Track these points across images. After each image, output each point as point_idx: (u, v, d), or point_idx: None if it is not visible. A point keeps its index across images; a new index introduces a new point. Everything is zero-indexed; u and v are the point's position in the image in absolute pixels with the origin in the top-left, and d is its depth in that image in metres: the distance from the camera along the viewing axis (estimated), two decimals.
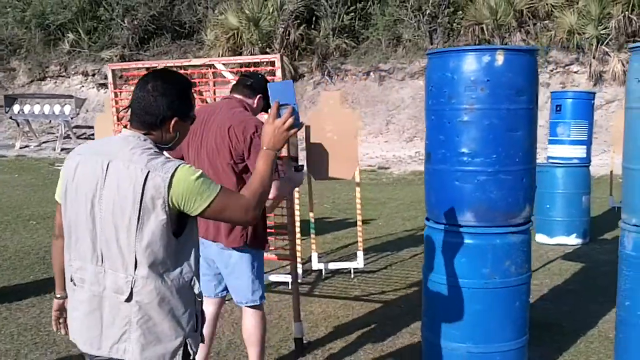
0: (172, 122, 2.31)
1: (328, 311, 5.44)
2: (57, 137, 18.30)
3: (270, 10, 18.59)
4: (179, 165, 2.21)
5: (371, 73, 17.90)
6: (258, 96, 3.75)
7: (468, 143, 3.68)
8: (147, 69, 4.87)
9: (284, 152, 4.30)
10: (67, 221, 2.34)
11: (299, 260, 6.16)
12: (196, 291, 2.34)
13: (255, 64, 4.72)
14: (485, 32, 17.07)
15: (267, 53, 18.52)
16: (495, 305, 3.77)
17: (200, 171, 2.24)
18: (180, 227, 2.26)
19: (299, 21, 18.69)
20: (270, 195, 3.53)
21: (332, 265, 6.49)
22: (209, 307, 3.87)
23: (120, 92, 5.03)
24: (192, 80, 2.69)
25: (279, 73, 4.34)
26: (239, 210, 2.25)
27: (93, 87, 20.97)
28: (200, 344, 3.83)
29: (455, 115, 3.69)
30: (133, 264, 2.21)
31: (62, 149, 17.36)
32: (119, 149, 2.26)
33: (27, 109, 18.09)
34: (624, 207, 3.77)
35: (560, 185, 7.73)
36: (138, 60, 18.73)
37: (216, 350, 4.58)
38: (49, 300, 5.21)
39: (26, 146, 18.41)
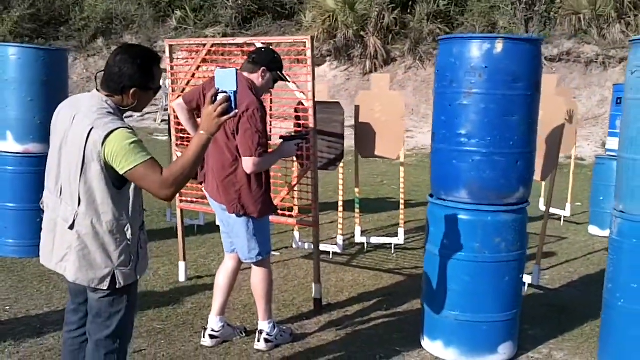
0: (132, 91, 2.76)
1: (358, 280, 5.80)
2: (158, 108, 19.38)
3: None
4: (118, 128, 2.62)
5: None
6: (261, 69, 4.03)
7: (465, 125, 3.94)
8: (203, 45, 5.34)
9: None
10: (48, 157, 2.89)
11: (340, 232, 6.56)
12: (128, 236, 2.79)
13: (290, 45, 5.08)
14: (582, 22, 16.63)
15: (361, 36, 18.87)
16: (484, 278, 4.02)
17: (136, 138, 2.63)
18: (122, 181, 2.72)
19: (394, 5, 18.85)
20: (248, 171, 3.89)
21: (374, 240, 6.82)
22: (228, 262, 4.33)
23: (175, 66, 5.54)
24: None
25: (309, 53, 4.66)
26: (155, 185, 2.59)
27: None
28: (219, 294, 4.36)
29: (455, 98, 3.95)
30: (77, 200, 2.71)
31: (162, 120, 18.39)
32: (84, 105, 2.75)
33: None
34: (615, 194, 3.91)
35: (615, 178, 7.63)
36: None
37: (244, 303, 5.05)
38: None
39: (130, 116, 19.61)
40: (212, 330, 4.28)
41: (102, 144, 2.61)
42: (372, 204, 9.25)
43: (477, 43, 3.87)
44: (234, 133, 3.90)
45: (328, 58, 19.76)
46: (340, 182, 6.62)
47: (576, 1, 16.85)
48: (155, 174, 2.60)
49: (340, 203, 6.63)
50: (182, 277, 5.65)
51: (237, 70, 2.65)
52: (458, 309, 4.06)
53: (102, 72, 2.81)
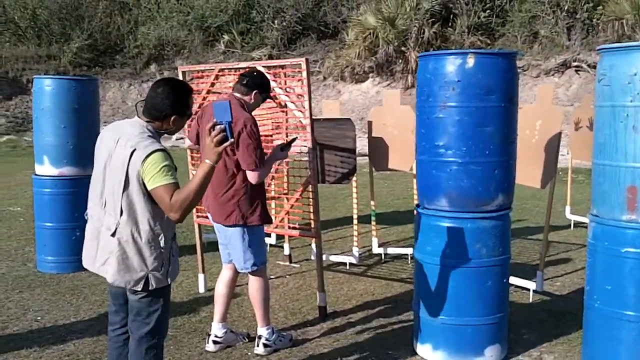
0: (172, 118, 3.18)
1: (369, 289, 6.01)
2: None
3: (407, 9, 19.06)
4: (155, 150, 3.01)
5: None
6: (254, 92, 4.36)
7: (442, 137, 4.14)
8: (212, 70, 5.70)
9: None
10: (93, 174, 3.29)
11: (355, 244, 6.79)
12: (162, 245, 3.16)
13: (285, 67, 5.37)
14: (626, 27, 16.43)
15: (402, 51, 19.08)
16: (467, 283, 4.18)
17: (168, 162, 2.99)
18: None
19: (434, 19, 19.03)
20: (253, 182, 4.18)
21: (391, 250, 7.02)
22: (226, 272, 4.63)
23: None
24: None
25: (304, 74, 4.93)
26: (166, 208, 2.98)
27: None
28: (219, 303, 4.66)
29: (432, 111, 4.16)
30: (119, 211, 3.10)
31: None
32: (127, 130, 3.16)
33: None
34: (592, 199, 4.04)
35: None
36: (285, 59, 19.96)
37: (253, 312, 5.32)
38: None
39: (181, 138, 20.29)
40: (215, 336, 4.57)
41: (142, 163, 3.00)
42: (402, 216, 9.42)
43: (450, 58, 4.07)
44: (233, 149, 4.19)
45: (370, 74, 20.03)
46: (354, 195, 6.85)
47: (618, 6, 16.67)
48: (167, 198, 2.95)
49: (355, 215, 6.85)
50: (201, 289, 5.97)
51: (230, 102, 2.97)
52: (444, 313, 4.23)
53: (143, 102, 3.24)
